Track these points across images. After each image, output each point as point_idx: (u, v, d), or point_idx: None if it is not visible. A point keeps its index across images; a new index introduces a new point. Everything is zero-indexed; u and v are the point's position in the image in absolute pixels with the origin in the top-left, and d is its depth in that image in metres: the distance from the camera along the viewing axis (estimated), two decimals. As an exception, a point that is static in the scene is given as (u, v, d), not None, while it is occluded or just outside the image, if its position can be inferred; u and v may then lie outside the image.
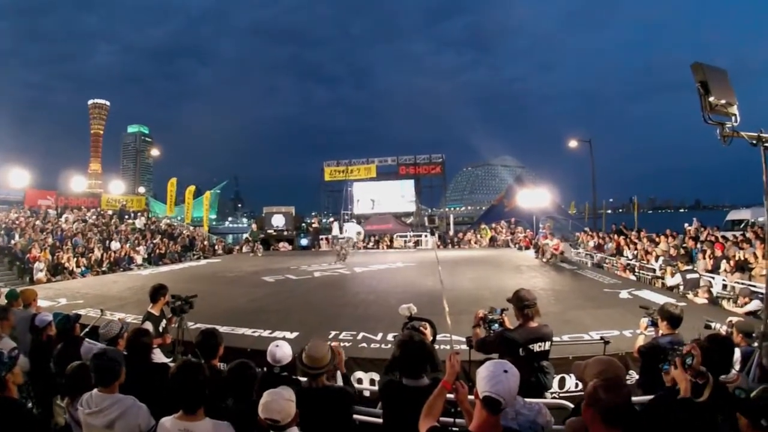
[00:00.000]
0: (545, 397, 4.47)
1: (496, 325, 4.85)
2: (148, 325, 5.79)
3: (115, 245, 23.65)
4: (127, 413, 3.29)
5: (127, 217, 30.82)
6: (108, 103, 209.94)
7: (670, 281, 13.08)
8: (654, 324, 5.10)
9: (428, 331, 4.90)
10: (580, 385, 5.90)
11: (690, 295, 11.41)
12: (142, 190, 56.46)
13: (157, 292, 6.38)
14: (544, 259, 19.30)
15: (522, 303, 4.58)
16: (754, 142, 5.25)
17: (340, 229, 25.08)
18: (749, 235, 13.89)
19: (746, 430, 2.59)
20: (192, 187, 39.06)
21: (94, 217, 28.70)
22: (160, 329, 6.20)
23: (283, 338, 7.12)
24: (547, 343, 4.57)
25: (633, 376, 6.02)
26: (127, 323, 5.63)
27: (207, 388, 3.10)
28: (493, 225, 31.28)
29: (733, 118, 5.30)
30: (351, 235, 20.19)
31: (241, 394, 3.58)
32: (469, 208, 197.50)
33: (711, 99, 5.16)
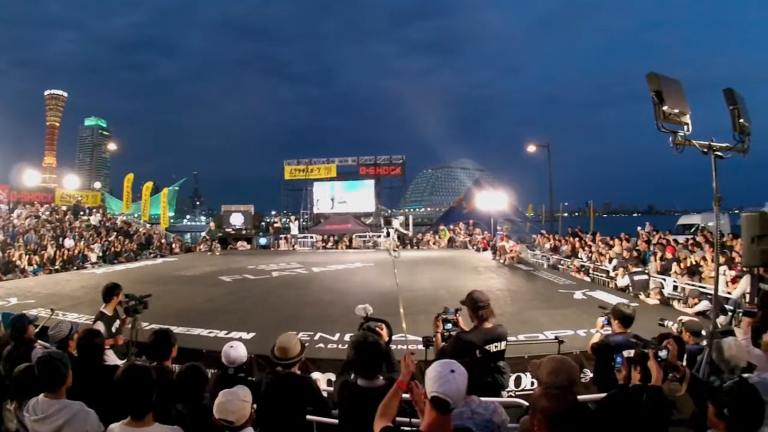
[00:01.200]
0: (502, 397, 4.53)
1: (450, 324, 4.90)
2: (100, 326, 5.69)
3: (68, 243, 23.09)
4: (75, 419, 3.21)
5: (81, 213, 30.09)
6: (65, 94, 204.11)
7: (620, 282, 13.42)
8: (609, 323, 5.23)
9: (384, 332, 4.90)
10: (536, 384, 6.02)
11: (641, 296, 11.69)
12: (98, 185, 55.50)
13: (110, 291, 6.28)
14: (502, 261, 19.51)
15: (476, 304, 4.62)
16: (705, 150, 5.41)
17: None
18: (699, 239, 14.27)
19: (712, 419, 2.72)
20: (149, 184, 38.36)
21: (47, 212, 27.93)
22: (113, 330, 6.10)
23: (240, 339, 7.09)
24: (503, 343, 4.63)
25: (587, 374, 6.18)
26: (78, 324, 5.50)
27: (155, 392, 3.03)
28: (452, 226, 31.42)
29: (686, 127, 5.44)
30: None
31: (191, 398, 3.54)
32: (429, 209, 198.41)
33: (665, 108, 5.28)
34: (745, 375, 3.95)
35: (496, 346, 4.54)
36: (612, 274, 14.96)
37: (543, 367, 3.31)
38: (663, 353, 3.62)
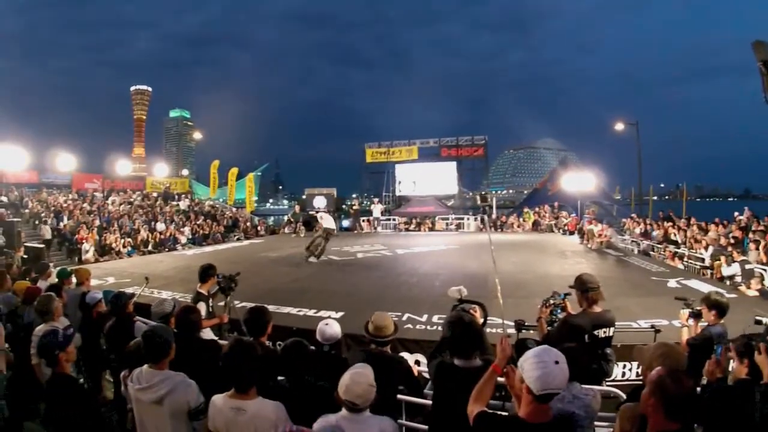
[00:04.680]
0: (601, 385, 4.38)
1: (559, 310, 4.80)
2: (202, 305, 5.86)
3: (160, 226, 24.12)
4: (177, 390, 3.31)
5: (171, 199, 31.41)
6: (150, 89, 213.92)
7: (726, 270, 12.66)
8: (695, 315, 4.91)
9: (478, 314, 4.83)
10: (627, 374, 5.81)
11: (742, 287, 11.08)
12: (185, 172, 57.47)
13: (206, 271, 6.43)
14: (590, 245, 18.98)
15: (585, 286, 4.50)
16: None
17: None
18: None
19: None
20: (235, 170, 39.28)
21: (139, 199, 29.37)
22: (210, 309, 6.27)
23: (329, 318, 7.16)
24: (611, 329, 4.50)
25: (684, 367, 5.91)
26: (179, 302, 5.69)
27: (259, 366, 3.10)
28: (536, 209, 30.62)
29: (798, 99, 5.08)
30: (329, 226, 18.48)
31: (294, 374, 3.56)
32: (511, 191, 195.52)
33: (775, 78, 4.95)
34: None
35: (604, 332, 4.41)
36: (707, 262, 14.29)
37: (652, 352, 3.13)
38: None
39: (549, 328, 4.76)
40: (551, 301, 4.93)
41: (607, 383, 5.87)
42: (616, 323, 4.64)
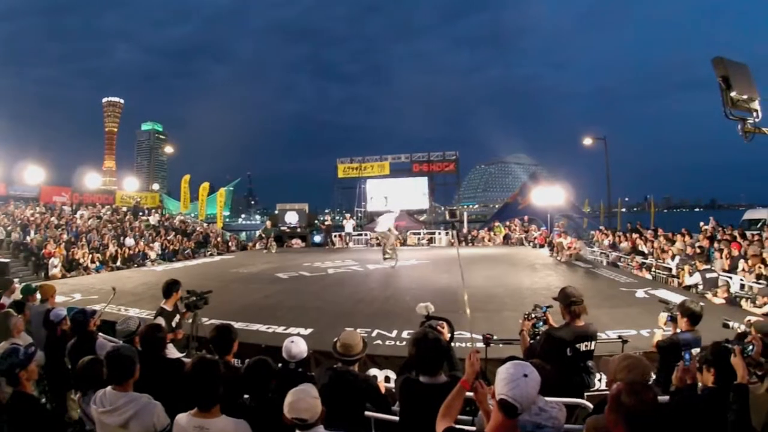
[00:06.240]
0: (583, 397, 4.40)
1: (541, 323, 4.83)
2: (161, 320, 5.79)
3: (129, 241, 23.80)
4: (142, 412, 3.26)
5: (141, 213, 30.99)
6: (122, 100, 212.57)
7: (689, 280, 12.93)
8: (673, 320, 5.04)
9: (446, 330, 4.83)
10: (597, 385, 5.86)
11: (708, 295, 11.28)
12: (156, 187, 56.76)
13: (170, 287, 6.41)
14: (559, 258, 19.19)
15: (569, 300, 4.51)
16: (778, 138, 5.18)
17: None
18: (766, 234, 13.72)
19: None
20: (206, 184, 39.06)
21: (108, 213, 28.86)
22: (173, 324, 6.21)
23: (298, 335, 7.11)
24: (593, 343, 4.52)
25: (651, 377, 5.96)
26: (143, 320, 5.61)
27: (223, 384, 3.07)
28: (507, 223, 31.04)
29: (755, 113, 5.22)
30: (383, 229, 18.99)
31: (257, 392, 3.56)
32: (483, 206, 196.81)
33: (733, 94, 5.09)
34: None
35: (586, 345, 4.43)
36: (675, 271, 14.52)
37: (617, 363, 3.18)
38: (750, 348, 3.43)
39: (531, 341, 4.79)
40: (533, 315, 4.97)
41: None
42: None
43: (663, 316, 5.24)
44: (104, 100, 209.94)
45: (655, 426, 2.27)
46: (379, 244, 28.84)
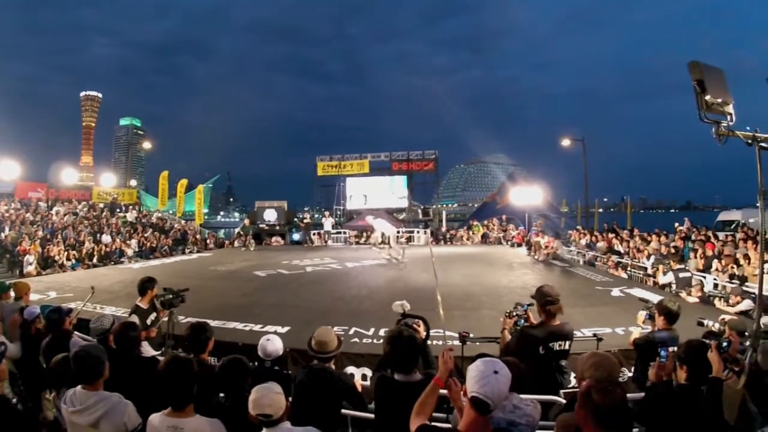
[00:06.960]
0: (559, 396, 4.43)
1: (522, 321, 4.87)
2: (135, 318, 5.75)
3: (106, 239, 23.50)
4: (113, 411, 3.24)
5: (118, 210, 30.58)
6: (100, 95, 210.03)
7: (662, 279, 13.15)
8: (651, 318, 5.14)
9: (421, 328, 4.85)
10: (573, 382, 5.92)
11: (683, 294, 11.45)
12: (133, 183, 56.11)
13: (145, 285, 6.38)
14: (537, 257, 19.33)
15: (544, 299, 4.52)
16: (750, 141, 5.26)
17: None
18: (739, 236, 13.94)
19: None
20: (184, 181, 38.82)
21: (85, 210, 28.45)
22: (148, 322, 6.17)
23: (275, 333, 7.10)
24: (567, 342, 4.53)
25: (625, 374, 6.04)
26: (118, 318, 5.57)
27: (196, 383, 3.06)
28: (485, 222, 31.17)
29: (729, 117, 5.30)
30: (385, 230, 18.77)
31: (232, 390, 3.54)
32: (462, 205, 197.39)
33: (707, 97, 5.16)
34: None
35: (560, 345, 4.45)
36: (650, 271, 14.71)
37: (585, 362, 3.23)
38: (726, 344, 3.50)
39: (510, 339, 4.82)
40: (515, 313, 5.00)
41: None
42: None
43: (642, 314, 5.36)
44: (82, 94, 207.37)
45: (623, 422, 2.31)
46: (366, 243, 29.01)
